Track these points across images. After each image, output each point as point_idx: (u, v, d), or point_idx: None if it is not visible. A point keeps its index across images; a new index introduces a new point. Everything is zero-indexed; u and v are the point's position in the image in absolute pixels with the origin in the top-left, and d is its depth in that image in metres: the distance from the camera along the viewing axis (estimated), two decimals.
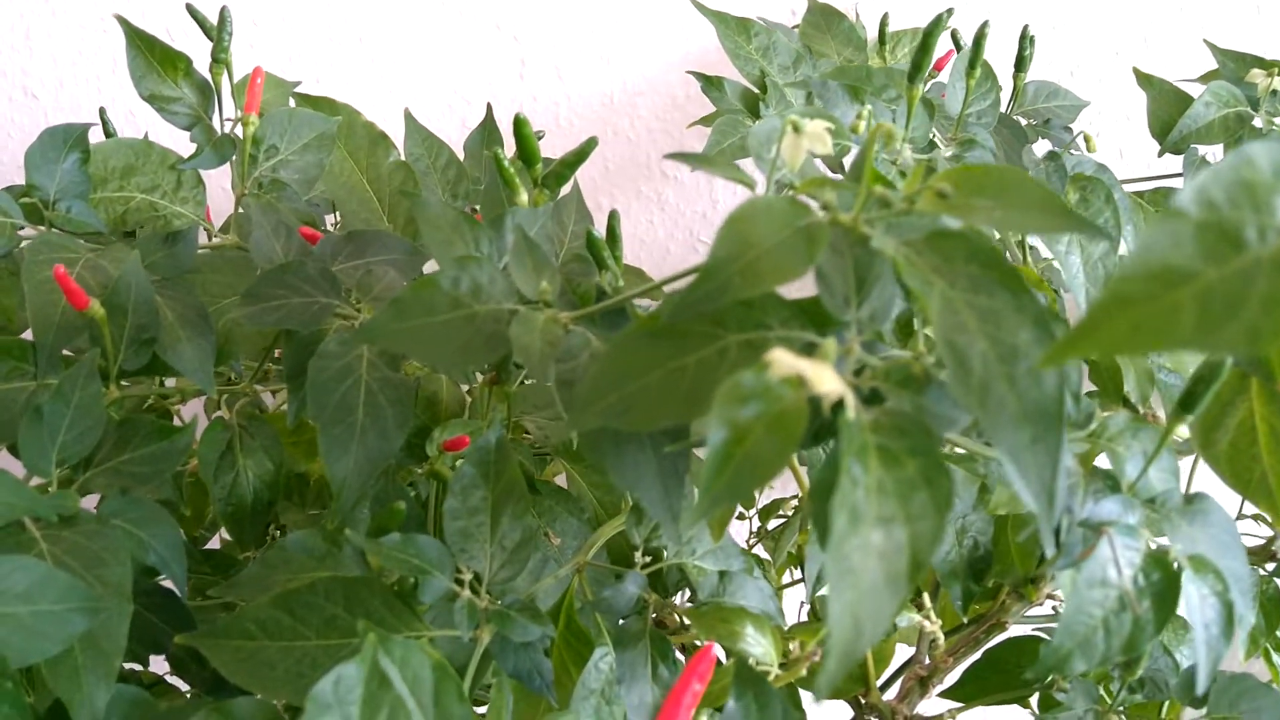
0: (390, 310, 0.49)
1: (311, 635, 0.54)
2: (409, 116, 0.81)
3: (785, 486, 1.15)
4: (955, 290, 0.37)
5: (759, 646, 0.51)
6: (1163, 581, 0.43)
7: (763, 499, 1.12)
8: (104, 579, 0.51)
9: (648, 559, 0.60)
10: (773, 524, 1.09)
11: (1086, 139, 0.75)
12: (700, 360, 0.40)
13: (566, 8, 1.14)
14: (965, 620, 0.75)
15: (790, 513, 1.08)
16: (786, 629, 0.59)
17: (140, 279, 0.62)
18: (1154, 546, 0.44)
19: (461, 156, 0.85)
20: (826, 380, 0.33)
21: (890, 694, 0.71)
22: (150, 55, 0.70)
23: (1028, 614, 0.76)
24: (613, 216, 0.64)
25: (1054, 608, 0.83)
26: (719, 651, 0.46)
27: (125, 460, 0.55)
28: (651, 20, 1.15)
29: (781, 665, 0.52)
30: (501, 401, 0.74)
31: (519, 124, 0.61)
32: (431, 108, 1.16)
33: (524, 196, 0.63)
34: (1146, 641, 0.43)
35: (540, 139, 0.67)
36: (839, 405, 0.35)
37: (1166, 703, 0.67)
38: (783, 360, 0.33)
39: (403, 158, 0.80)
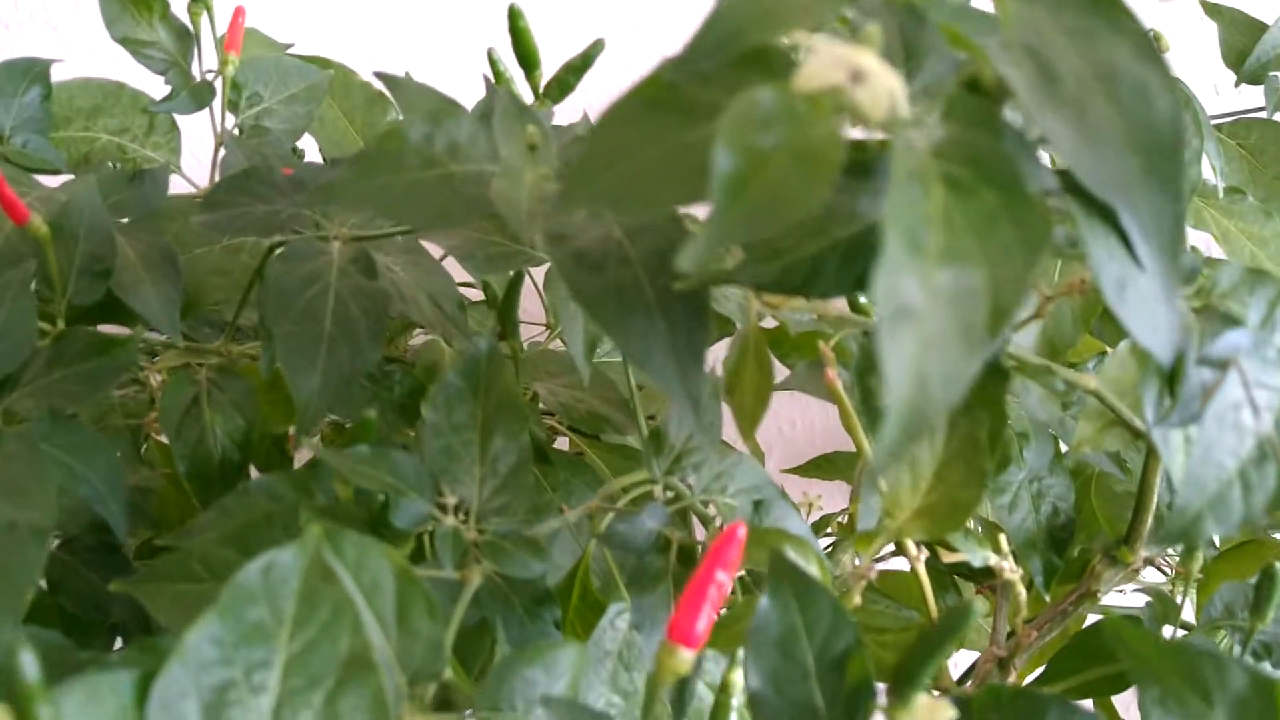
0: (352, 166, 0.42)
1: None
2: (408, 77, 0.75)
3: (833, 502, 1.05)
4: (1034, 8, 0.29)
5: None
6: None
7: (811, 517, 1.02)
8: (23, 506, 0.43)
9: (669, 495, 0.51)
10: (822, 544, 0.99)
11: (1157, 37, 0.67)
12: (711, 135, 0.32)
13: (585, 11, 1.09)
14: (1049, 601, 0.65)
15: (837, 529, 0.98)
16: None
17: (95, 203, 0.55)
18: None
19: None
20: (867, 58, 0.25)
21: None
22: None
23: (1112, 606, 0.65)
24: None
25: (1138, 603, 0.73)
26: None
27: (57, 379, 0.47)
28: (675, 23, 1.10)
29: None
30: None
31: (514, 16, 0.55)
32: None
33: None
34: None
35: None
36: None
37: None
38: (822, 49, 0.25)
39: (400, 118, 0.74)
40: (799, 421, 1.20)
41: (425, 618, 0.37)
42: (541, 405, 0.70)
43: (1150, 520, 0.60)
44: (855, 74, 0.25)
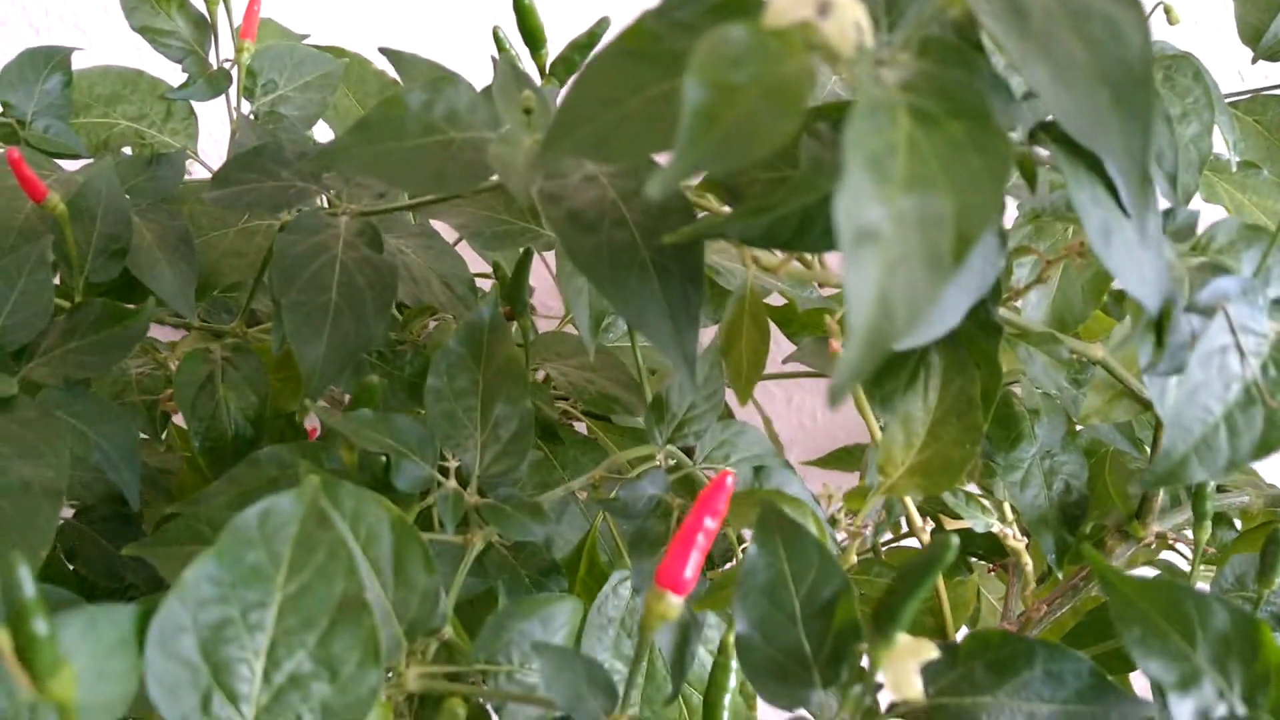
0: (353, 132, 0.43)
1: None
2: (414, 55, 0.76)
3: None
4: None
5: None
6: None
7: (831, 508, 1.02)
8: (38, 467, 0.44)
9: (672, 463, 0.51)
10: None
11: (1167, 10, 0.67)
12: None
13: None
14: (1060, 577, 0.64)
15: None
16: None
17: (112, 184, 0.56)
18: None
19: None
20: None
21: None
22: None
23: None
24: None
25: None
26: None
27: (72, 348, 0.49)
28: None
29: None
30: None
31: None
32: None
33: None
34: None
35: None
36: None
37: None
38: None
39: None
40: (819, 415, 1.20)
41: (422, 569, 0.38)
42: (554, 390, 0.71)
43: (1162, 494, 0.60)
44: (822, 6, 0.26)
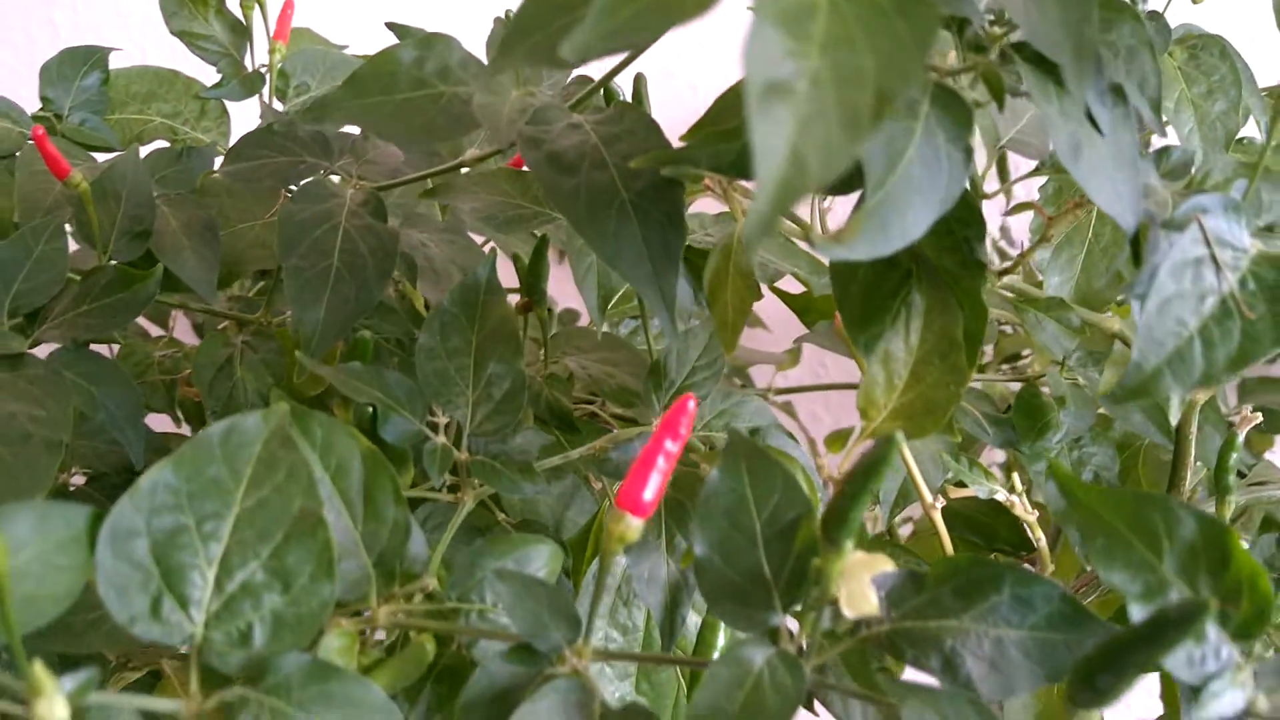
0: (346, 86, 0.44)
1: None
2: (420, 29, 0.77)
3: None
4: None
5: None
6: None
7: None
8: (40, 421, 0.45)
9: None
10: None
11: None
12: None
13: None
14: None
15: None
16: None
17: (137, 169, 0.58)
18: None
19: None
20: None
21: None
22: None
23: None
24: (638, 80, 0.58)
25: None
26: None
27: (82, 312, 0.50)
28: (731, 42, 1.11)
29: None
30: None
31: None
32: None
33: None
34: (1264, 351, 0.32)
35: None
36: None
37: None
38: None
39: None
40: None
41: (391, 500, 0.38)
42: (586, 393, 0.71)
43: (1189, 476, 0.58)
44: None
